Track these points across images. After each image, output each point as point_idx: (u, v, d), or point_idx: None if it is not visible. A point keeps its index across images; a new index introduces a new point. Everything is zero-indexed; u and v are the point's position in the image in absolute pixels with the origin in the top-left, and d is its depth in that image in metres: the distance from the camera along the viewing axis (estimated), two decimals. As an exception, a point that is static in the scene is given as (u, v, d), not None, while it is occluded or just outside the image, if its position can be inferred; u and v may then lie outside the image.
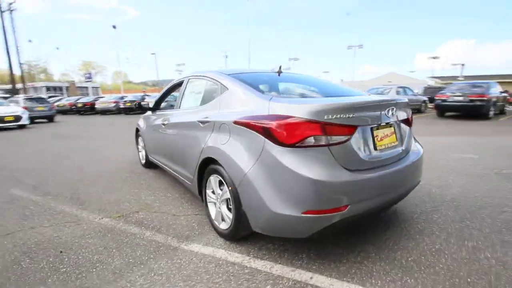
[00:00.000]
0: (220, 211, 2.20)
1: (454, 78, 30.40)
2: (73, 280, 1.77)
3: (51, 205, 2.99)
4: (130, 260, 1.97)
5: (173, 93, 3.85)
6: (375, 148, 1.82)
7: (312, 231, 1.64)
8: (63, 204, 3.01)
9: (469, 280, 1.65)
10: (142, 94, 22.34)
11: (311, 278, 1.71)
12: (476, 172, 3.71)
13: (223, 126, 2.04)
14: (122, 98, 20.33)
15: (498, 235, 2.14)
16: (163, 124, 3.22)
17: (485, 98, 9.92)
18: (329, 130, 1.60)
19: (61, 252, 2.09)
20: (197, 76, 2.85)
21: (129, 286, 1.70)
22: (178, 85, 3.41)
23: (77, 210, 2.86)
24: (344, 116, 1.66)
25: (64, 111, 21.43)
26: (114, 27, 31.69)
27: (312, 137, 1.58)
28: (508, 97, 13.32)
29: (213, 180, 2.22)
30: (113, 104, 19.61)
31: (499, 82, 12.30)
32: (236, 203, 1.92)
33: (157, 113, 3.75)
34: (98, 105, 20.28)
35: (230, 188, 1.96)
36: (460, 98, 10.43)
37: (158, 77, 43.82)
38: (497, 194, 2.94)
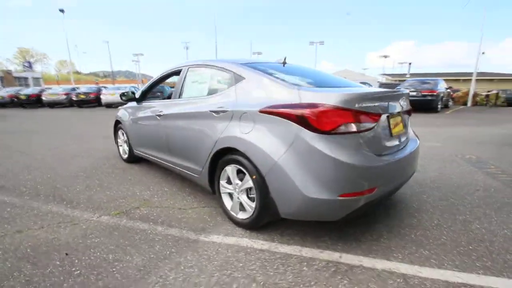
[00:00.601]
0: (238, 201, 2.18)
1: (402, 75, 33.40)
2: (94, 282, 1.63)
3: (32, 206, 2.67)
4: (152, 256, 1.87)
5: (161, 84, 3.65)
6: (391, 135, 1.98)
7: (345, 213, 1.74)
8: (47, 204, 2.70)
9: (470, 247, 1.91)
10: (98, 85, 20.55)
11: (340, 257, 1.81)
12: (445, 157, 4.21)
13: (245, 115, 2.02)
14: (73, 89, 18.49)
15: (479, 209, 2.49)
16: (158, 116, 3.04)
17: (435, 93, 11.16)
18: (359, 117, 1.70)
19: (66, 254, 1.90)
20: (200, 65, 2.74)
21: (161, 281, 1.62)
22: (172, 74, 3.25)
23: (66, 209, 2.59)
24: (371, 104, 1.78)
25: (2, 104, 18.76)
26: (61, 11, 28.22)
27: (345, 124, 1.66)
28: (451, 93, 15.12)
29: (230, 170, 2.19)
30: (64, 96, 17.70)
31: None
32: (261, 191, 1.93)
33: (146, 103, 3.53)
34: (45, 97, 18.09)
35: (253, 177, 1.96)
36: (414, 93, 11.57)
37: (112, 67, 40.47)
38: (468, 175, 3.39)
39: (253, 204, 2.05)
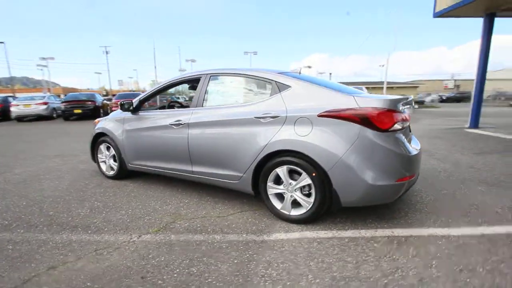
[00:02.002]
0: (291, 199, 2.36)
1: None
2: (198, 296, 1.59)
3: (39, 238, 2.23)
4: (236, 261, 1.88)
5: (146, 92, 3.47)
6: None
7: (397, 195, 2.14)
8: (58, 234, 2.30)
9: (466, 210, 2.58)
10: (3, 95, 16.75)
11: (392, 232, 2.21)
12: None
13: (301, 119, 2.23)
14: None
15: (452, 184, 3.30)
16: (174, 125, 2.93)
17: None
18: (402, 117, 2.14)
19: (142, 278, 1.74)
20: (227, 73, 2.80)
21: (268, 279, 1.69)
22: (182, 82, 3.17)
23: (90, 235, 2.28)
24: (404, 107, 2.24)
25: None
26: None
27: (395, 123, 2.07)
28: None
29: (282, 171, 2.35)
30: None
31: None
32: (322, 185, 2.17)
33: (149, 113, 3.31)
34: None
35: (313, 174, 2.19)
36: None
37: (10, 73, 33.22)
38: (427, 163, 4.34)
39: (310, 199, 2.27)
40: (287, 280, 1.68)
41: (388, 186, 2.06)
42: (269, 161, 2.41)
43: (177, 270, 1.81)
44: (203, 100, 2.85)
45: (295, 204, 2.39)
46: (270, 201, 2.48)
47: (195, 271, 1.80)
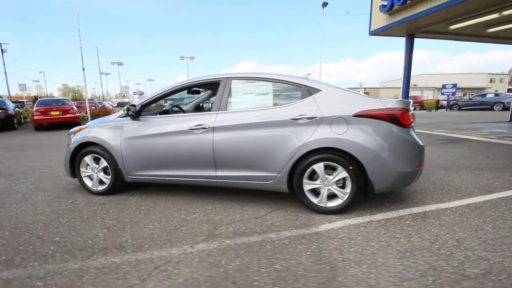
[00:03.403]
0: (328, 192, 2.59)
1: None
2: (292, 283, 1.66)
3: (76, 267, 1.88)
4: (308, 253, 2.00)
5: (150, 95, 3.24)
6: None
7: (415, 180, 2.60)
8: (94, 259, 1.98)
9: (462, 187, 3.27)
10: None
11: (411, 211, 2.66)
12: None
13: (338, 119, 2.49)
14: None
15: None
16: (195, 130, 2.82)
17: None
18: (413, 116, 2.63)
19: (234, 283, 1.69)
20: (251, 78, 2.86)
21: (349, 262, 1.87)
22: (194, 86, 3.07)
23: (134, 255, 2.03)
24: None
25: None
26: None
27: (412, 120, 2.54)
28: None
29: (319, 168, 2.56)
30: None
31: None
32: (358, 177, 2.48)
33: (158, 118, 3.08)
34: None
35: (351, 167, 2.48)
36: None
37: None
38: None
39: (346, 190, 2.56)
40: (366, 259, 1.90)
41: (411, 172, 2.51)
42: (305, 159, 2.59)
43: (262, 269, 1.82)
44: (227, 103, 2.84)
45: (329, 196, 2.63)
46: (307, 197, 2.66)
47: (280, 267, 1.85)
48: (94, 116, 17.22)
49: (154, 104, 3.23)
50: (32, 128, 11.70)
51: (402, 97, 9.30)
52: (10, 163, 5.34)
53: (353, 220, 2.51)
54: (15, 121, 11.87)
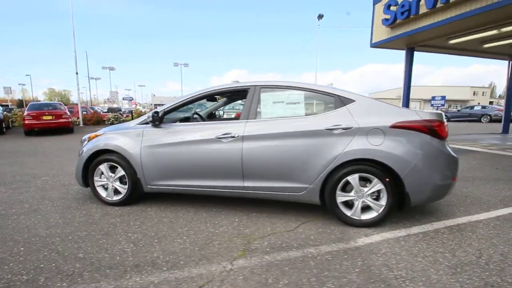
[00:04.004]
0: (362, 205, 2.52)
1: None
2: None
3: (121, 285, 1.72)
4: (357, 270, 1.91)
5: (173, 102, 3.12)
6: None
7: (448, 193, 2.57)
8: (129, 278, 1.82)
9: (486, 199, 3.27)
10: None
11: (444, 224, 2.62)
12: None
13: (374, 131, 2.45)
14: None
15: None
16: (222, 138, 2.71)
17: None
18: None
19: (289, 304, 1.58)
20: (282, 86, 2.79)
21: (403, 279, 1.79)
22: (220, 93, 2.98)
23: (171, 272, 1.89)
24: (442, 119, 2.76)
25: None
26: None
27: (447, 133, 2.54)
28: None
29: (353, 179, 2.50)
30: None
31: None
32: (394, 190, 2.44)
33: (182, 126, 2.96)
34: None
35: (387, 179, 2.44)
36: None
37: None
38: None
39: (381, 203, 2.50)
40: (419, 276, 1.83)
41: (447, 184, 2.49)
42: (339, 170, 2.53)
43: (313, 283, 1.72)
44: (256, 112, 2.76)
45: (363, 209, 2.57)
46: (340, 209, 2.58)
47: (332, 286, 1.75)
48: (86, 121, 16.77)
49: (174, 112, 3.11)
50: (21, 133, 11.19)
51: (403, 106, 9.48)
52: (6, 170, 5.03)
53: (389, 234, 2.44)
54: (3, 126, 11.33)
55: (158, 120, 2.93)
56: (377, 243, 2.29)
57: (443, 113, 2.64)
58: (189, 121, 3.51)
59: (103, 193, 3.16)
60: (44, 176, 4.51)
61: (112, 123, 17.19)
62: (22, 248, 2.21)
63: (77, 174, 3.22)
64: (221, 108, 4.49)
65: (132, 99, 25.44)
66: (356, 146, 2.47)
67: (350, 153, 2.47)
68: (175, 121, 3.31)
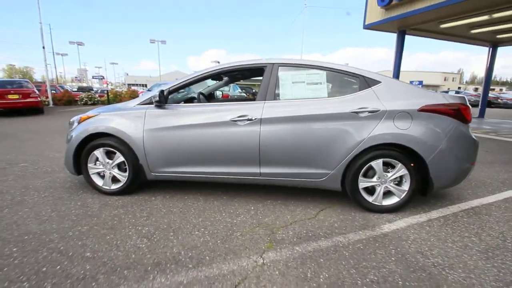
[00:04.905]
0: (384, 190, 2.46)
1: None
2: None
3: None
4: (393, 258, 1.85)
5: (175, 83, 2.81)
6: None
7: (467, 177, 2.57)
8: (152, 279, 1.62)
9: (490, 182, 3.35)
10: None
11: (459, 207, 2.65)
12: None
13: (401, 114, 2.34)
14: None
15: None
16: (239, 121, 2.48)
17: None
18: (469, 112, 2.59)
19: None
20: (301, 65, 2.57)
21: (442, 267, 1.75)
22: (235, 71, 2.70)
23: (199, 270, 1.71)
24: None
25: None
26: None
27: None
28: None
29: (377, 164, 2.40)
30: None
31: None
32: (417, 175, 2.39)
33: (191, 107, 2.66)
34: None
35: (411, 164, 2.37)
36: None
37: None
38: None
39: (404, 188, 2.45)
40: (454, 262, 1.81)
41: (468, 168, 2.47)
42: (362, 156, 2.42)
43: (358, 282, 1.63)
44: (274, 92, 2.54)
45: (384, 194, 2.51)
46: (361, 195, 2.50)
47: (375, 278, 1.67)
48: (56, 101, 15.41)
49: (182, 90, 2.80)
50: (-19, 114, 10.05)
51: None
52: (-27, 155, 4.43)
53: (412, 219, 2.41)
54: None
55: (164, 100, 2.61)
56: (402, 229, 2.25)
57: (465, 97, 2.59)
58: (192, 102, 3.21)
59: (99, 181, 2.84)
60: (21, 162, 4.02)
61: (86, 103, 16.01)
62: (14, 249, 1.90)
63: (67, 160, 2.86)
64: (220, 88, 4.19)
65: (103, 77, 23.54)
66: (383, 130, 2.36)
67: (377, 138, 2.36)
68: (177, 102, 2.99)
